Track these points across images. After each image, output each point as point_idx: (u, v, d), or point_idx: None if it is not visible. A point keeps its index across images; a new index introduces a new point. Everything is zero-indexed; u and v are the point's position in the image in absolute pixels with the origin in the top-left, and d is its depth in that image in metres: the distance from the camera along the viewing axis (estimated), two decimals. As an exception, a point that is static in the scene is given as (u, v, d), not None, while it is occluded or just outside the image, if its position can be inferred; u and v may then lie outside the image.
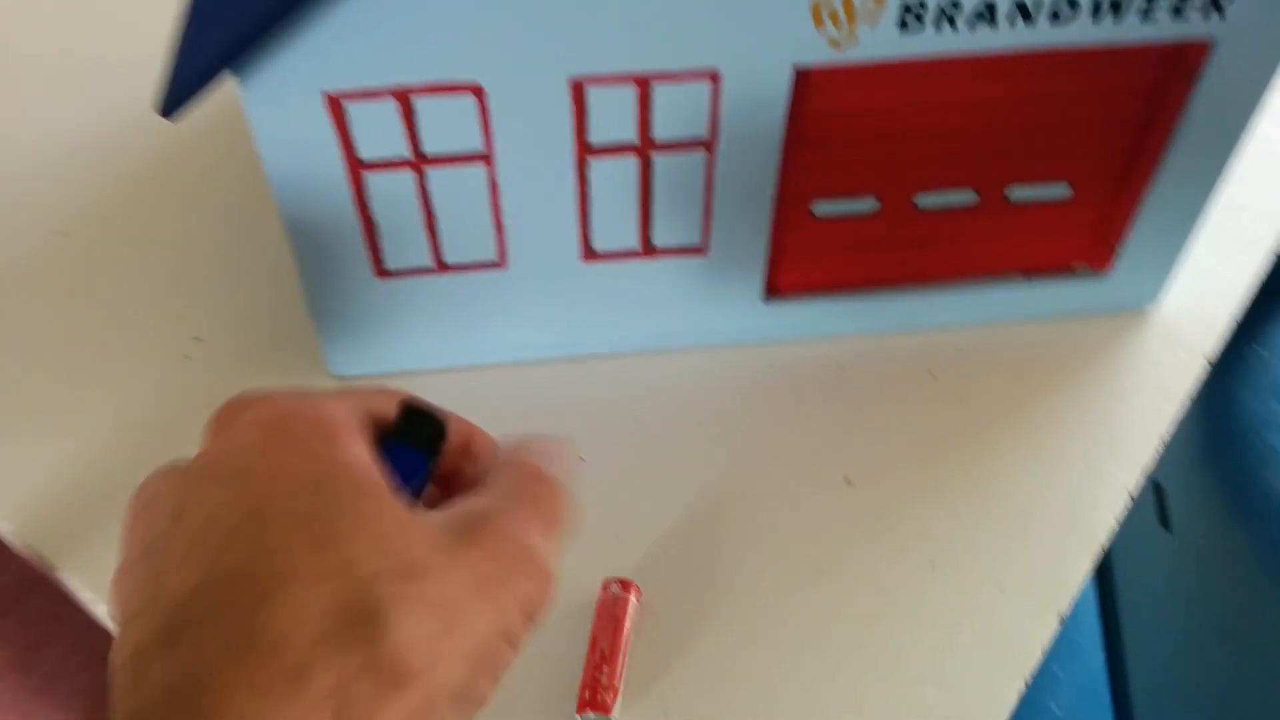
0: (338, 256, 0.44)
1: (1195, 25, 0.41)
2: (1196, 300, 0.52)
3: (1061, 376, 0.49)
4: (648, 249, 0.46)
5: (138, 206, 0.57)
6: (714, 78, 0.40)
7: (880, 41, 0.40)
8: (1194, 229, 0.49)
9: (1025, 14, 0.40)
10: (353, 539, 0.24)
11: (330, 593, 0.23)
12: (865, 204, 0.46)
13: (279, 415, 0.27)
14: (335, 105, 0.39)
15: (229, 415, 0.27)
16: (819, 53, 0.40)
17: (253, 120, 0.39)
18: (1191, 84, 0.43)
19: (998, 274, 0.50)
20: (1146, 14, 0.41)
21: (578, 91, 0.40)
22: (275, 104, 0.38)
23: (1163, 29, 0.41)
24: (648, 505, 0.44)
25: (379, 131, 0.40)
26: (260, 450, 0.26)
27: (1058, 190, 0.47)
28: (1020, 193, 0.47)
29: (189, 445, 0.45)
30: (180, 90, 0.36)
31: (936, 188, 0.46)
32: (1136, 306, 0.52)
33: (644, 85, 0.40)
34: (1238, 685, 0.68)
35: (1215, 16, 0.41)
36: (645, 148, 0.42)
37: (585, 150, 0.42)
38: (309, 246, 0.43)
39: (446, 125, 0.40)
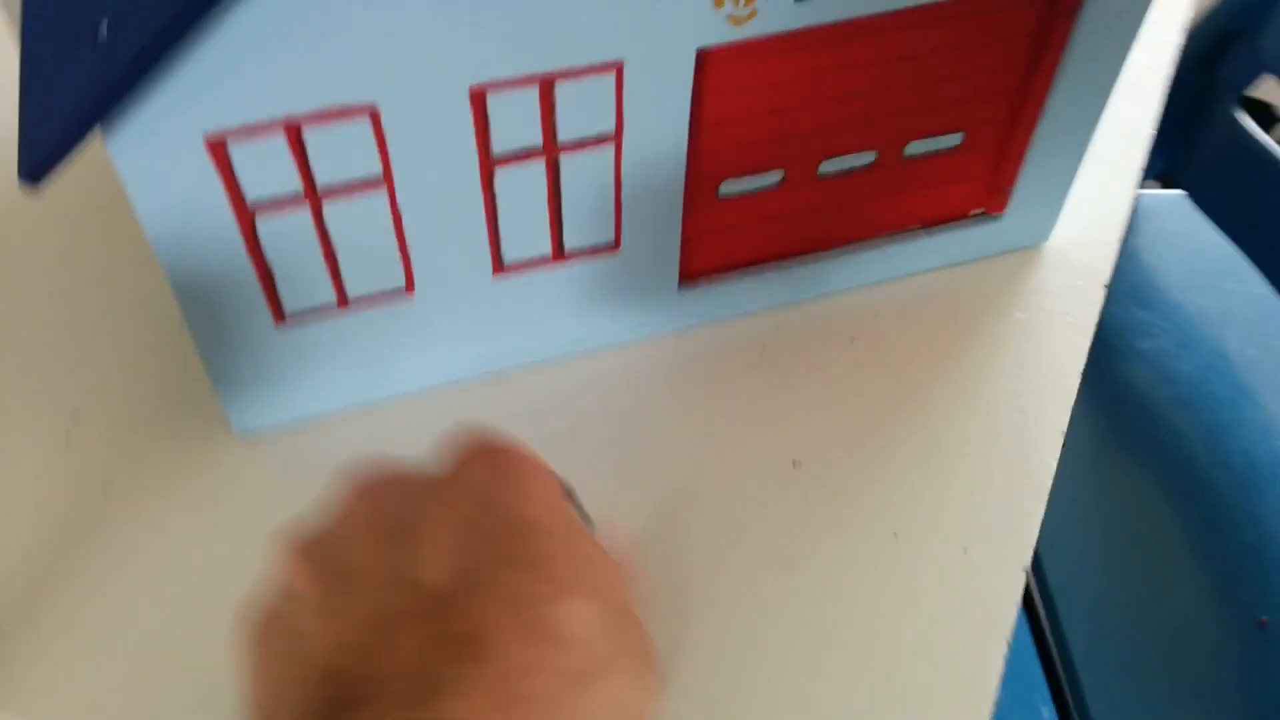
0: (232, 307, 0.40)
1: (1074, -36, 0.41)
2: (1085, 229, 0.54)
3: (975, 323, 0.50)
4: (559, 254, 0.44)
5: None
6: (617, 69, 0.38)
7: (778, 13, 0.39)
8: (1079, 163, 0.50)
9: (916, -30, 0.40)
10: (595, 570, 0.28)
11: (599, 611, 0.26)
12: (770, 178, 0.45)
13: (523, 457, 0.30)
14: (217, 148, 0.35)
15: (478, 444, 0.30)
16: (719, 31, 0.39)
17: (123, 174, 0.35)
18: (1072, 22, 0.44)
19: (900, 229, 0.50)
20: (1030, -42, 0.41)
21: (478, 99, 0.37)
22: (148, 154, 0.34)
23: (1043, -29, 0.41)
24: (599, 521, 0.43)
25: (267, 169, 0.36)
26: (523, 476, 0.29)
27: (951, 140, 0.47)
28: (916, 147, 0.47)
29: (89, 542, 0.41)
30: (40, 155, 0.32)
31: (837, 152, 0.46)
32: (1032, 243, 0.53)
33: (547, 85, 0.38)
34: (1144, 579, 0.72)
35: (1092, -46, 0.41)
36: (551, 150, 0.40)
37: (489, 160, 0.39)
38: (199, 301, 0.39)
39: (340, 153, 0.37)
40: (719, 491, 0.44)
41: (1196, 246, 0.85)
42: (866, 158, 0.46)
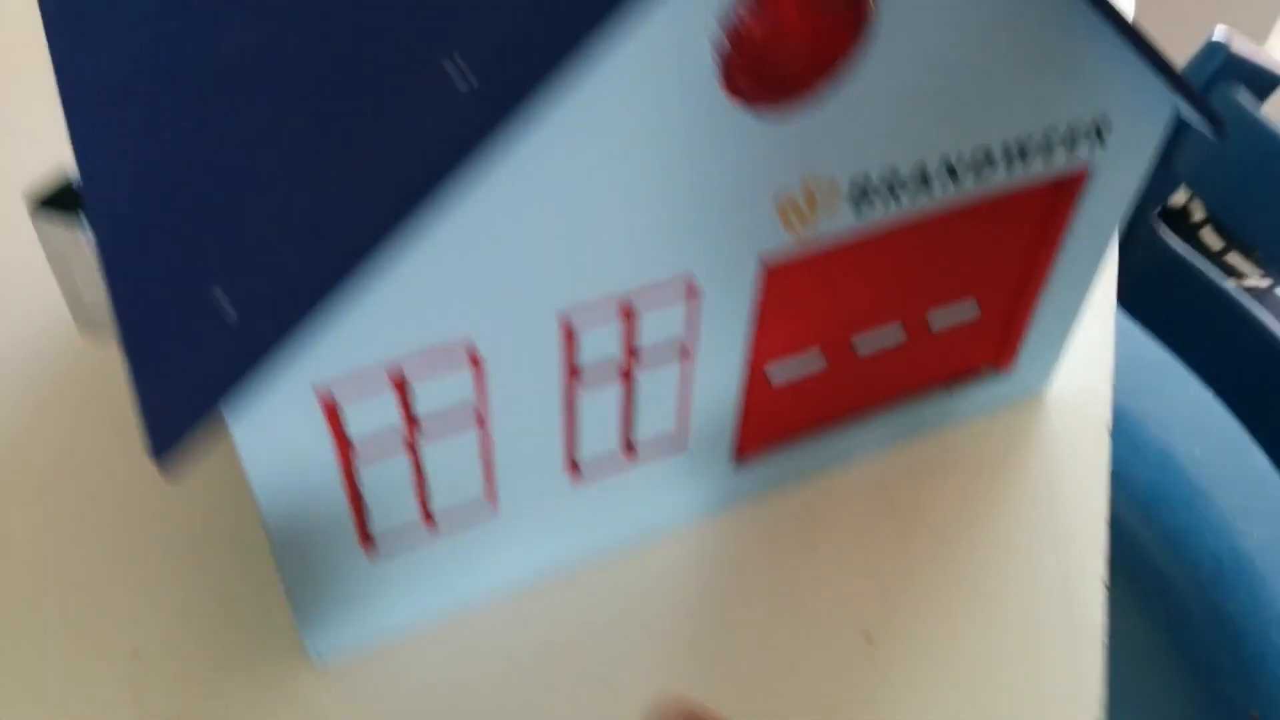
0: (321, 540, 0.40)
1: (1081, 156, 0.45)
2: (1077, 370, 0.57)
3: (998, 477, 0.52)
4: (630, 455, 0.45)
5: (31, 475, 0.49)
6: (688, 284, 0.40)
7: (835, 224, 0.41)
8: (1079, 316, 0.54)
9: (953, 174, 0.43)
10: None
11: None
12: (814, 361, 0.48)
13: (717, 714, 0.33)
14: (325, 396, 0.35)
15: (680, 709, 0.33)
16: (782, 243, 0.41)
17: (235, 430, 0.35)
18: (1075, 204, 0.48)
19: (922, 390, 0.53)
20: (1047, 152, 0.44)
21: (565, 324, 0.38)
22: (262, 408, 0.34)
23: (1057, 163, 0.45)
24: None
25: (370, 411, 0.37)
26: None
27: (969, 308, 0.51)
28: (937, 315, 0.50)
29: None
30: (172, 436, 0.32)
31: (870, 327, 0.48)
32: (1035, 391, 0.56)
33: (626, 303, 0.39)
34: (1134, 688, 0.75)
35: (1098, 147, 0.45)
36: (629, 364, 0.41)
37: (574, 380, 0.40)
38: (291, 537, 0.39)
39: (439, 389, 0.38)
40: (799, 670, 0.45)
41: (1131, 353, 0.90)
42: (895, 331, 0.49)
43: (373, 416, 0.37)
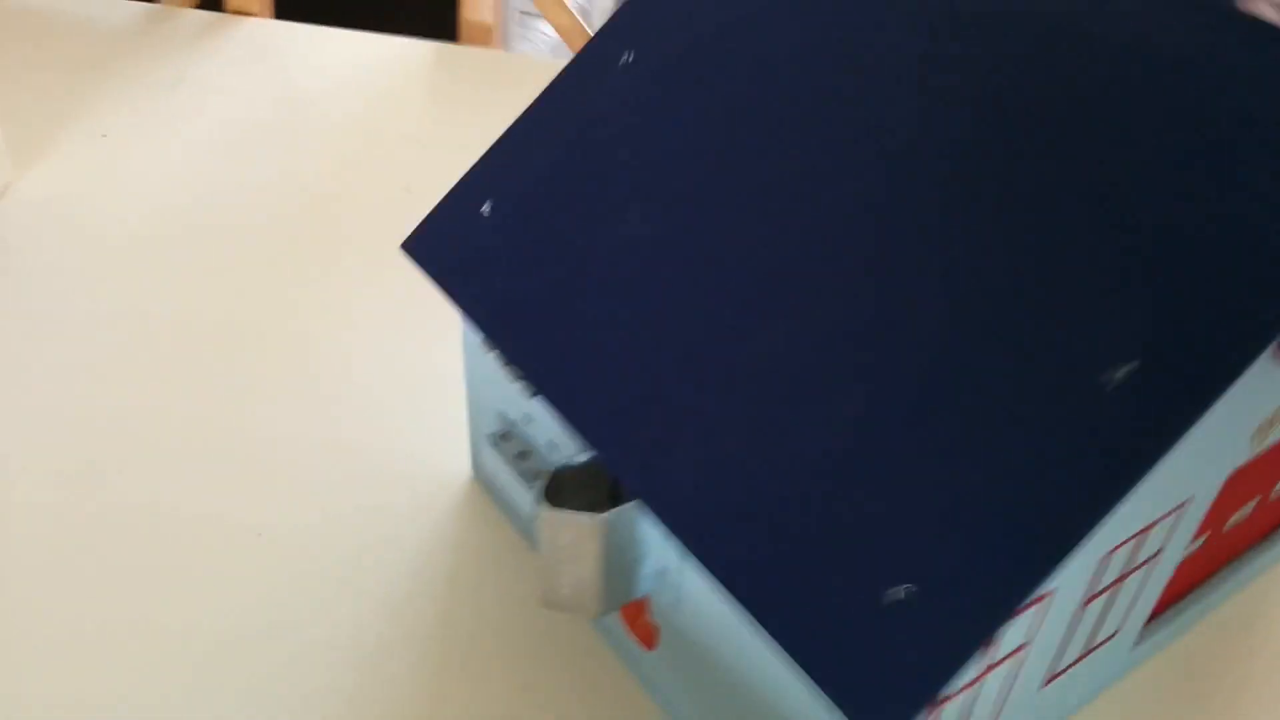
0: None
1: None
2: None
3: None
4: (1090, 651, 0.48)
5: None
6: (1184, 503, 0.44)
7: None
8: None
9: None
10: None
11: None
12: (1201, 536, 0.52)
13: None
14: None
15: None
16: (1246, 457, 0.45)
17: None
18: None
19: (1252, 547, 0.58)
20: None
21: (1102, 560, 0.42)
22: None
23: None
24: None
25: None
26: None
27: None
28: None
29: None
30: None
31: (1242, 505, 0.53)
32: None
33: (1144, 533, 0.43)
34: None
35: None
36: (1125, 577, 0.45)
37: (1088, 601, 0.44)
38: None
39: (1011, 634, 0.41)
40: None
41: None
42: (1252, 503, 0.54)
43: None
